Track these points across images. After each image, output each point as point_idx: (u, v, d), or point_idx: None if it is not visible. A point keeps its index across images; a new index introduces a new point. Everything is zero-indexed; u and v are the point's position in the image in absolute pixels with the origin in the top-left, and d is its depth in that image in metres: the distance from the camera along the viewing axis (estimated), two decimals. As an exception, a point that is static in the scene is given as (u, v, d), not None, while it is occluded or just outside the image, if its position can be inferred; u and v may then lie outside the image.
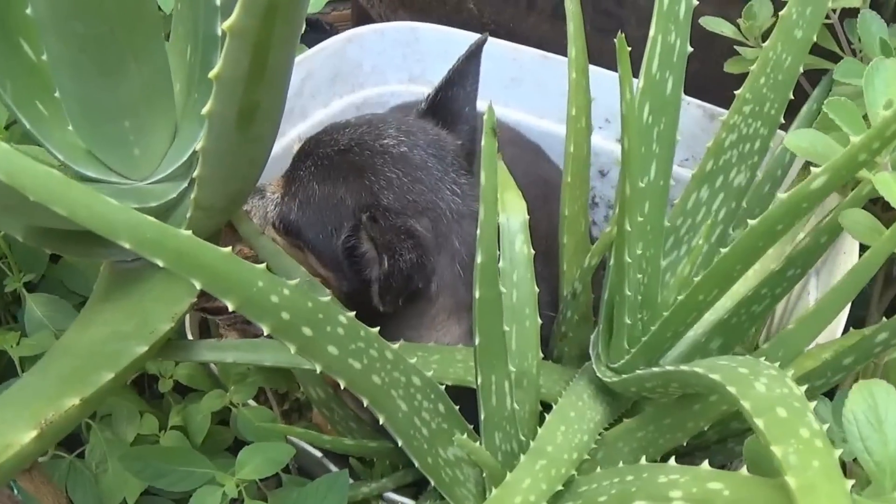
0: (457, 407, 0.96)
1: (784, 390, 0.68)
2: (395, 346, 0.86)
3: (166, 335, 0.86)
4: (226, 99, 0.72)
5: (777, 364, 0.75)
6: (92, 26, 0.78)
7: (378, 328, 0.90)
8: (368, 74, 1.75)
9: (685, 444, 0.98)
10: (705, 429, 0.99)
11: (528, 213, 1.05)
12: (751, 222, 0.77)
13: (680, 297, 0.88)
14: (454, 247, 1.13)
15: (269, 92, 0.76)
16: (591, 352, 1.06)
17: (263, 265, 0.69)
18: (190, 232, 0.63)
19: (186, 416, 1.26)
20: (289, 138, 1.56)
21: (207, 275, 0.66)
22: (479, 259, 0.82)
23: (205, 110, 0.71)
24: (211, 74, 0.67)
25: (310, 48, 1.64)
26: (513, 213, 1.04)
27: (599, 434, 0.99)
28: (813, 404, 0.66)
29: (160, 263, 0.61)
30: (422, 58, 1.74)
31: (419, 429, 0.91)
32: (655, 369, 0.91)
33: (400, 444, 0.91)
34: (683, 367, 0.83)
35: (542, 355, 1.03)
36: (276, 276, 0.72)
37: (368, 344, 0.83)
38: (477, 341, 0.88)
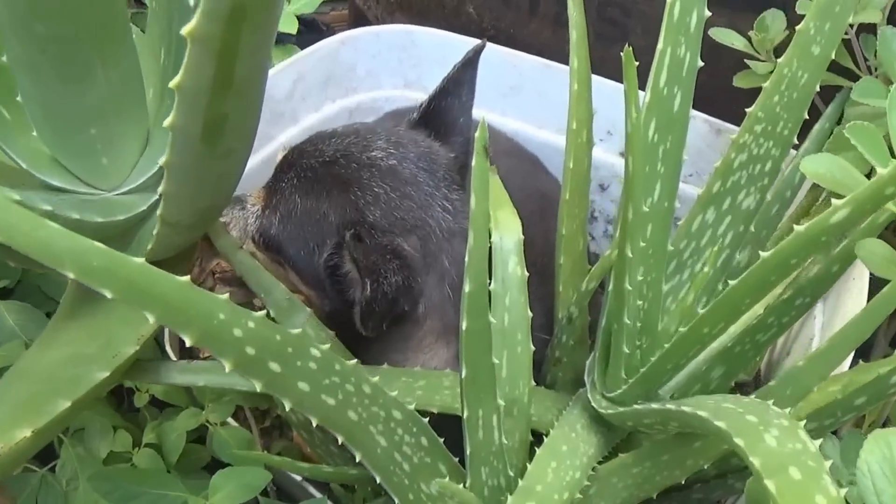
0: (443, 437, 0.91)
1: (797, 445, 0.62)
2: (376, 376, 0.80)
3: (131, 359, 0.80)
4: (189, 111, 0.65)
5: (784, 406, 0.70)
6: (54, 27, 0.72)
7: (361, 350, 0.84)
8: (363, 78, 1.70)
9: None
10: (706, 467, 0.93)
11: (524, 230, 0.99)
12: (763, 255, 0.71)
13: (682, 329, 0.82)
14: (444, 267, 1.07)
15: (238, 104, 0.69)
16: (585, 378, 1.01)
17: (226, 295, 0.63)
18: (142, 260, 0.56)
19: (161, 433, 1.22)
20: (278, 143, 1.50)
21: (161, 306, 0.60)
22: (466, 287, 0.75)
23: (167, 123, 0.65)
24: (172, 84, 0.61)
25: (304, 49, 1.60)
26: (506, 232, 0.98)
27: (593, 469, 0.93)
28: (818, 442, 0.62)
29: (108, 295, 0.55)
30: (418, 62, 1.69)
31: (400, 464, 0.85)
32: (655, 406, 0.85)
33: (378, 480, 0.85)
34: (685, 409, 0.77)
35: (534, 382, 0.98)
36: (240, 308, 0.66)
37: (344, 378, 0.76)
38: (463, 373, 0.82)
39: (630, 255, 0.84)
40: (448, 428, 0.92)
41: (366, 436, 0.80)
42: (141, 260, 0.56)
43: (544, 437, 0.93)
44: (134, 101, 0.85)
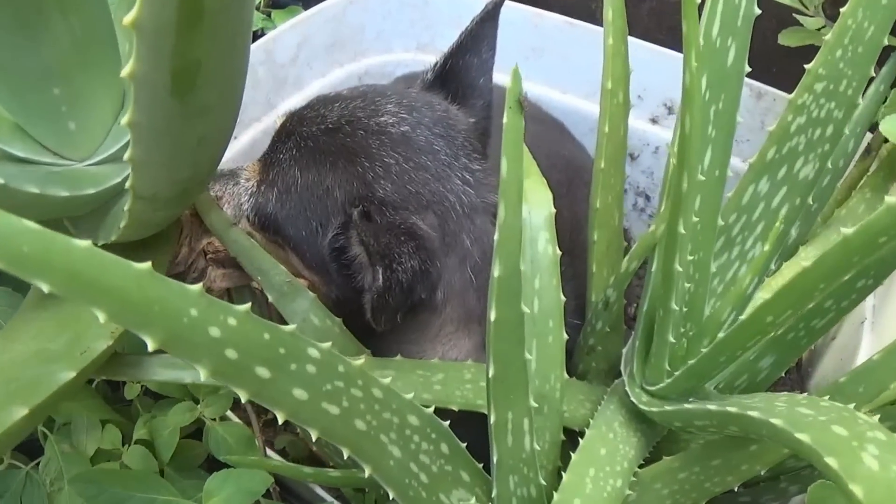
0: (462, 433, 0.80)
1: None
2: (387, 371, 0.68)
3: (103, 355, 0.69)
4: (151, 55, 0.53)
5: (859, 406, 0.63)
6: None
7: (371, 342, 0.74)
8: (372, 41, 1.61)
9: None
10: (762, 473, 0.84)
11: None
12: (844, 231, 0.61)
13: (741, 317, 0.72)
14: (465, 247, 0.96)
15: (212, 46, 0.57)
16: (622, 368, 0.93)
17: (199, 286, 0.50)
18: (88, 243, 0.44)
19: (154, 428, 1.13)
20: (280, 111, 1.39)
21: (114, 302, 0.46)
22: (496, 271, 0.63)
23: (125, 72, 0.53)
24: (126, 21, 0.49)
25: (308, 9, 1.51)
26: (536, 205, 0.87)
27: (633, 474, 0.84)
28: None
29: (44, 288, 0.43)
30: (431, 24, 1.61)
31: (416, 475, 0.74)
32: (712, 407, 0.75)
33: (392, 496, 0.73)
34: (753, 414, 0.67)
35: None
36: (217, 300, 0.53)
37: (350, 381, 0.64)
38: (491, 371, 0.70)
39: (682, 231, 0.74)
40: (468, 424, 0.83)
41: (376, 447, 0.68)
42: (86, 243, 0.44)
43: (577, 435, 0.86)
44: (103, 52, 0.73)
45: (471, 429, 0.82)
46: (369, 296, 0.90)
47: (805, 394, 1.28)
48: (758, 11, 0.84)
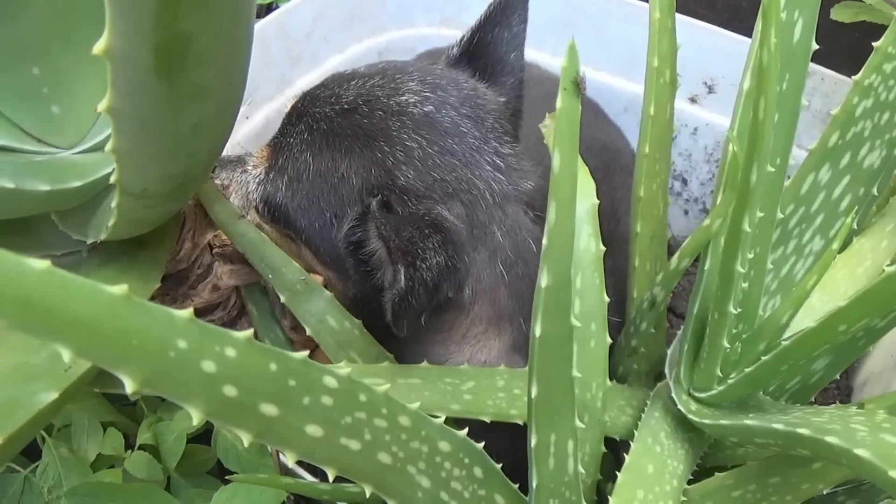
0: (489, 441, 0.72)
1: None
2: (411, 378, 0.60)
3: (90, 372, 0.60)
4: (130, 28, 0.45)
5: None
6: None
7: (391, 344, 0.79)
8: (393, 15, 1.55)
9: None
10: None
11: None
12: None
13: (811, 324, 0.66)
14: (495, 239, 0.88)
15: (205, 17, 0.49)
16: (667, 371, 0.88)
17: (188, 311, 0.41)
18: (46, 264, 0.35)
19: (158, 433, 1.08)
20: (297, 90, 1.31)
21: (82, 336, 0.37)
22: (544, 281, 0.55)
23: (97, 48, 0.44)
24: (94, -11, 0.41)
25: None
26: (578, 196, 0.78)
27: (683, 492, 0.77)
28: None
29: (-8, 324, 0.35)
30: None
31: (447, 504, 0.65)
32: (779, 427, 0.68)
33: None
34: (832, 441, 0.60)
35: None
36: (211, 327, 0.44)
37: (372, 411, 0.54)
38: (534, 392, 0.62)
39: (748, 229, 0.67)
40: (498, 429, 0.79)
41: (402, 480, 0.59)
42: (44, 264, 0.34)
43: (617, 443, 0.83)
44: (88, 26, 0.64)
45: (501, 434, 0.77)
46: (390, 296, 0.82)
47: (853, 397, 1.22)
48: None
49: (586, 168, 0.82)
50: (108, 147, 0.52)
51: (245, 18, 0.54)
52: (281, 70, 1.37)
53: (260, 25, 1.32)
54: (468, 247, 0.85)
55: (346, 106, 0.90)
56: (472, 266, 0.87)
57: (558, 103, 0.48)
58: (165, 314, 0.40)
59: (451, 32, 1.51)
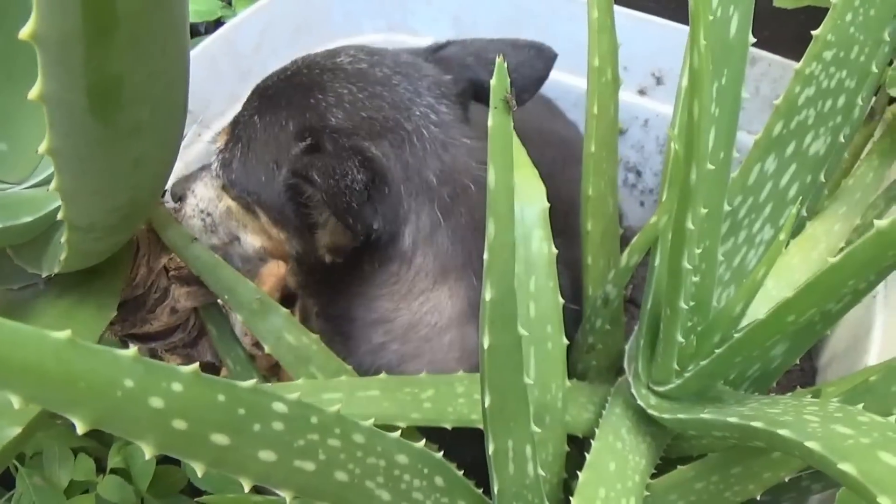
0: (457, 448, 0.77)
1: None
2: (370, 390, 0.61)
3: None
4: (61, 73, 0.45)
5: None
6: None
7: (341, 301, 0.83)
8: (340, 24, 1.55)
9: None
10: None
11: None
12: (878, 223, 0.56)
13: (762, 316, 0.66)
14: (430, 184, 0.90)
15: (135, 57, 0.49)
16: (626, 366, 0.88)
17: (133, 350, 0.42)
18: None
19: (128, 455, 1.09)
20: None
21: (29, 383, 0.38)
22: (487, 295, 0.56)
23: (32, 93, 0.45)
24: (23, 34, 0.41)
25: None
26: (528, 200, 0.80)
27: (646, 486, 0.78)
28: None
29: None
30: (402, 1, 1.53)
31: (410, 515, 0.66)
32: (734, 420, 0.69)
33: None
34: (784, 433, 0.60)
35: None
36: (157, 364, 0.45)
37: (325, 432, 0.55)
38: (487, 401, 0.63)
39: (691, 226, 0.67)
40: (464, 436, 0.80)
41: (361, 496, 0.60)
42: None
43: (580, 440, 0.84)
44: (30, 67, 0.63)
45: (469, 441, 0.78)
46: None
47: (818, 378, 1.23)
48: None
49: (536, 172, 0.81)
50: (52, 186, 0.52)
51: (178, 52, 0.54)
52: (230, 85, 1.36)
53: (207, 42, 1.32)
54: (401, 187, 0.88)
55: (289, 72, 0.97)
56: (409, 212, 0.89)
57: (490, 121, 0.49)
58: (110, 355, 0.41)
59: (398, 38, 1.51)
